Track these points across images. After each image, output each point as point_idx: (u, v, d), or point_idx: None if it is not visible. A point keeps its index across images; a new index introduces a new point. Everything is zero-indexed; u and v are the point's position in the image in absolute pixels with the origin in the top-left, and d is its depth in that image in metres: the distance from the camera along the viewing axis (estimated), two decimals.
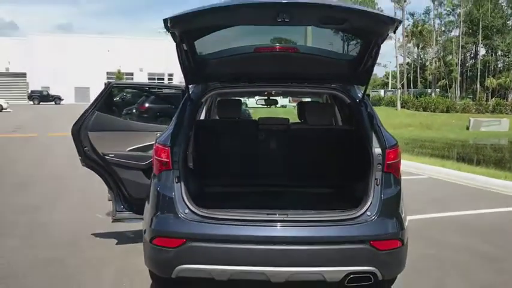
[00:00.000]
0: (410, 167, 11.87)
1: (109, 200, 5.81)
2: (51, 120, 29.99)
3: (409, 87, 65.98)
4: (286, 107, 34.39)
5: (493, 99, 56.07)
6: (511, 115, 41.54)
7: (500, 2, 68.72)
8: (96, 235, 6.03)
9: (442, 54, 71.80)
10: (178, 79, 66.68)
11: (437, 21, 72.43)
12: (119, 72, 66.64)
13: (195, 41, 3.75)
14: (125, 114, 6.52)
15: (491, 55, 70.61)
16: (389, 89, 70.99)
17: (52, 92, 65.31)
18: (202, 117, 6.21)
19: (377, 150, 3.75)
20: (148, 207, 3.82)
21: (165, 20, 3.15)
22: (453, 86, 66.65)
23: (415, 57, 79.18)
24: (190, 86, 4.15)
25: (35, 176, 10.35)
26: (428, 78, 73.94)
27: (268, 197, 4.49)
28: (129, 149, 5.47)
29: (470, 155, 17.02)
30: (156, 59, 66.17)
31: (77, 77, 69.35)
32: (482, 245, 5.97)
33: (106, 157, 5.35)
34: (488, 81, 62.42)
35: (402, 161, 10.78)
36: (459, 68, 66.03)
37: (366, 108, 4.03)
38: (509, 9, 69.47)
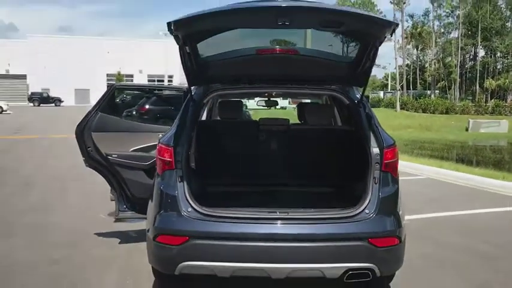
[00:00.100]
0: (409, 167, 11.98)
1: (111, 200, 5.90)
2: (52, 122, 30.14)
3: (408, 88, 66.06)
4: (286, 108, 34.50)
5: (492, 100, 56.14)
6: (510, 116, 41.63)
7: (499, 3, 68.88)
8: (99, 234, 6.11)
9: (441, 55, 71.92)
10: (178, 81, 66.82)
11: (436, 22, 72.65)
12: (119, 74, 66.72)
13: (198, 44, 3.85)
14: (125, 116, 6.60)
15: (491, 56, 70.71)
16: (389, 90, 71.11)
17: (52, 94, 65.39)
18: (204, 118, 6.30)
19: (375, 149, 3.83)
20: (151, 206, 3.90)
21: (168, 24, 3.25)
22: (452, 87, 66.75)
23: (415, 58, 79.36)
24: (192, 88, 4.24)
25: (38, 177, 10.45)
26: (427, 80, 74.09)
27: (269, 196, 4.58)
28: (132, 149, 5.57)
29: (469, 156, 17.09)
30: (156, 61, 66.30)
31: (77, 79, 69.42)
32: (479, 244, 6.05)
33: (109, 157, 5.44)
34: (488, 82, 62.50)
35: (401, 162, 10.93)
36: (458, 69, 66.14)
37: (364, 108, 4.12)
38: (508, 11, 69.61)
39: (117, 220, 5.69)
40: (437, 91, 69.76)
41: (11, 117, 37.53)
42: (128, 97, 13.12)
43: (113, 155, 5.43)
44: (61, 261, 5.19)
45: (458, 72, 66.09)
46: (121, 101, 9.48)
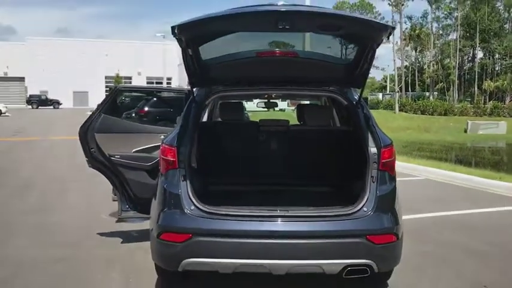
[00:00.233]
0: (408, 168, 12.09)
1: (113, 201, 6.00)
2: (51, 124, 30.19)
3: (407, 90, 66.18)
4: (284, 110, 34.56)
5: (491, 102, 56.21)
6: (509, 118, 41.78)
7: (497, 5, 69.07)
8: (102, 234, 6.19)
9: (439, 57, 72.10)
10: (177, 83, 66.93)
11: (435, 24, 72.82)
12: (117, 76, 66.84)
13: (200, 47, 3.97)
14: (124, 118, 6.70)
15: (489, 58, 70.89)
16: (388, 92, 71.24)
17: (51, 97, 65.44)
18: (205, 119, 6.40)
19: (373, 149, 3.93)
20: (155, 204, 3.99)
21: (172, 27, 3.36)
22: (451, 89, 66.91)
23: (413, 60, 79.48)
24: (194, 89, 4.35)
25: (38, 178, 10.51)
26: (426, 82, 74.22)
27: (270, 195, 4.67)
28: (134, 150, 5.66)
29: (468, 157, 17.19)
30: (155, 63, 66.39)
31: (75, 81, 69.42)
32: (475, 243, 6.14)
33: (112, 158, 5.54)
34: (486, 84, 62.66)
35: (400, 163, 11.01)
36: (457, 71, 66.29)
37: (362, 109, 4.23)
38: (506, 12, 69.83)
39: (119, 220, 5.78)
40: (435, 93, 69.86)
41: (10, 119, 37.59)
42: (127, 99, 13.25)
43: (116, 156, 5.53)
44: (65, 261, 5.26)
45: (457, 73, 66.24)
46: (119, 103, 9.59)
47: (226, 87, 4.44)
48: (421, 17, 74.30)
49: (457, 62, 66.76)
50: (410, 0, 64.03)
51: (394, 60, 58.63)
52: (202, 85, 4.41)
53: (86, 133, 5.51)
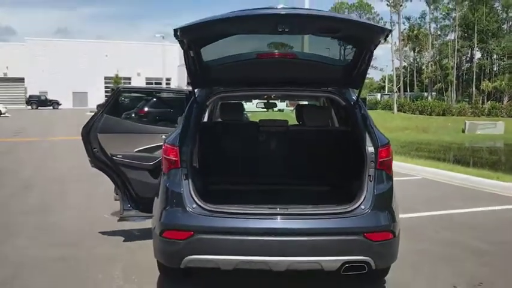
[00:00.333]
0: (405, 168, 12.18)
1: (115, 200, 6.08)
2: (51, 125, 30.24)
3: (405, 90, 66.22)
4: (283, 111, 34.64)
5: (489, 102, 56.34)
6: (507, 118, 41.86)
7: (495, 6, 69.21)
8: (103, 233, 6.26)
9: (438, 57, 72.20)
10: (176, 83, 66.98)
11: (433, 25, 72.86)
12: (117, 76, 66.86)
13: (201, 49, 4.06)
14: (124, 119, 6.79)
15: (487, 59, 70.97)
16: (386, 92, 71.28)
17: (50, 97, 65.51)
18: (205, 119, 6.49)
19: (370, 149, 4.02)
20: (158, 203, 4.07)
21: (175, 30, 3.46)
22: (449, 89, 66.97)
23: (411, 61, 79.56)
24: (195, 90, 4.44)
25: (39, 179, 10.58)
26: (424, 82, 74.27)
27: (270, 193, 4.76)
28: (136, 150, 5.75)
29: (465, 157, 17.27)
30: (154, 64, 66.39)
31: (74, 82, 69.54)
32: (471, 240, 6.24)
33: (114, 158, 5.62)
34: (484, 84, 62.69)
35: (398, 163, 11.10)
36: (455, 71, 66.33)
37: (360, 110, 4.32)
38: (504, 13, 69.96)
39: (121, 219, 5.86)
40: (434, 93, 69.96)
41: (10, 120, 37.62)
42: (126, 100, 13.30)
43: (118, 156, 5.62)
44: (67, 259, 5.33)
45: (455, 74, 66.28)
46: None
47: (227, 88, 4.53)
48: (419, 18, 74.47)
49: (455, 63, 66.82)
50: (408, 1, 63.88)
51: (393, 61, 58.86)
52: (203, 86, 4.50)
53: (89, 133, 5.59)
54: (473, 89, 65.04)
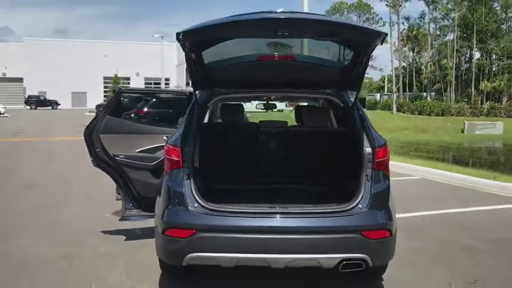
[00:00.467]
0: (404, 168, 12.27)
1: (117, 200, 6.18)
2: (50, 125, 30.31)
3: (404, 90, 66.22)
4: (283, 111, 34.74)
5: (488, 102, 56.39)
6: (506, 118, 41.94)
7: (494, 6, 69.30)
8: (106, 232, 6.35)
9: (437, 58, 72.23)
10: (175, 83, 67.05)
11: (432, 25, 72.88)
12: (116, 77, 66.89)
13: (203, 51, 4.16)
14: (123, 119, 6.89)
15: (486, 59, 71.01)
16: (385, 92, 71.35)
17: (49, 97, 65.56)
18: (206, 120, 6.59)
19: (367, 149, 4.12)
20: (160, 202, 4.16)
21: (177, 33, 3.56)
22: (448, 89, 67.00)
23: (411, 61, 79.60)
24: (197, 92, 4.54)
25: (41, 179, 10.64)
26: (423, 82, 74.33)
27: (269, 193, 4.84)
28: (138, 150, 5.85)
29: (464, 157, 17.34)
30: (153, 64, 66.45)
31: (73, 82, 69.63)
32: (467, 239, 6.33)
33: (116, 158, 5.72)
34: (483, 84, 62.74)
35: (397, 163, 11.19)
36: (454, 71, 66.35)
37: (358, 111, 4.42)
38: (503, 13, 70.05)
39: (122, 218, 5.95)
40: (433, 93, 70.03)
41: (9, 120, 37.67)
42: (126, 100, 13.37)
43: (120, 156, 5.72)
44: (71, 257, 5.42)
45: (454, 74, 66.31)
46: None
47: (228, 90, 4.63)
48: (418, 18, 74.56)
49: (454, 63, 66.85)
50: (407, 1, 63.81)
51: (392, 61, 58.90)
52: (204, 88, 4.59)
53: (91, 134, 5.69)
54: (472, 89, 65.07)
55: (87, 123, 5.81)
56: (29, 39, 71.86)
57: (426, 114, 47.63)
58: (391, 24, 62.22)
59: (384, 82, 75.82)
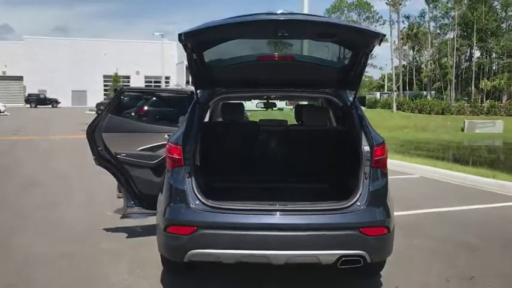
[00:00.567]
0: (403, 166, 12.34)
1: (118, 198, 6.25)
2: (50, 123, 30.37)
3: (404, 89, 66.33)
4: (283, 109, 34.83)
5: (488, 101, 56.52)
6: (506, 117, 42.02)
7: (494, 5, 69.32)
8: (108, 230, 6.41)
9: (437, 56, 72.35)
10: (175, 82, 67.07)
11: (432, 24, 73.05)
12: (116, 75, 66.91)
13: (204, 52, 4.23)
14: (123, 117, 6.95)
15: (486, 57, 71.10)
16: (385, 91, 71.43)
17: (49, 96, 65.60)
18: (207, 119, 6.65)
19: (366, 147, 4.19)
20: (162, 200, 4.23)
21: (179, 34, 3.63)
22: (448, 88, 67.10)
23: (411, 59, 79.76)
24: (198, 91, 4.60)
25: (42, 177, 10.69)
26: (423, 81, 74.42)
27: (269, 191, 4.90)
28: (139, 148, 5.92)
29: (464, 156, 17.40)
30: (153, 62, 66.43)
31: (73, 80, 69.67)
32: (465, 236, 6.41)
33: (118, 156, 5.79)
34: (483, 83, 62.86)
35: (397, 161, 11.26)
36: (454, 70, 66.44)
37: (356, 110, 4.49)
38: (503, 12, 70.09)
39: (123, 216, 6.01)
40: (433, 92, 70.11)
41: (9, 118, 37.74)
42: (126, 98, 13.40)
43: (122, 154, 5.78)
44: (73, 254, 5.49)
45: (454, 73, 66.40)
46: None
47: (228, 89, 4.70)
48: (418, 17, 74.67)
49: (454, 61, 66.91)
50: (407, 0, 63.99)
51: (392, 60, 59.03)
52: (205, 87, 4.66)
53: (94, 132, 5.76)
54: (473, 87, 65.16)
55: (90, 122, 5.88)
56: (29, 38, 71.89)
57: (426, 113, 47.74)
58: (391, 22, 62.37)
59: (384, 81, 75.92)
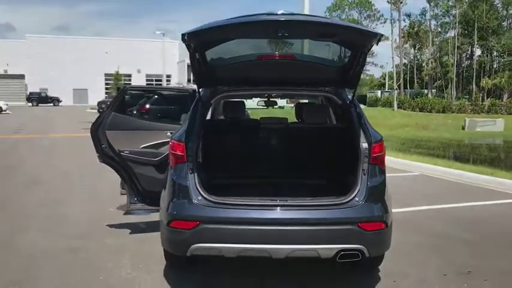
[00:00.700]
0: (404, 164, 12.44)
1: (121, 194, 6.36)
2: (52, 122, 30.47)
3: (405, 87, 66.30)
4: (283, 107, 34.95)
5: (489, 99, 56.47)
6: (506, 115, 42.04)
7: (495, 3, 69.27)
8: (111, 226, 6.51)
9: (438, 55, 72.26)
10: (176, 80, 67.12)
11: (433, 22, 72.98)
12: (117, 73, 67.02)
13: (206, 51, 4.34)
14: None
15: (487, 56, 71.04)
16: (386, 89, 71.38)
17: (50, 94, 65.70)
18: (208, 117, 6.75)
19: (364, 144, 4.29)
20: (165, 195, 4.33)
21: (182, 35, 3.73)
22: (449, 86, 67.02)
23: (412, 58, 79.66)
24: (200, 89, 4.70)
25: (44, 175, 10.77)
26: (424, 79, 74.35)
27: (270, 186, 5.02)
28: (142, 146, 6.02)
29: (464, 154, 17.47)
30: (154, 61, 66.51)
31: (75, 79, 69.77)
32: (463, 233, 6.50)
33: (122, 154, 5.89)
34: (484, 81, 62.74)
35: (397, 159, 11.34)
36: (455, 68, 66.35)
37: (355, 108, 4.59)
38: (504, 10, 70.03)
39: (127, 213, 6.10)
40: (434, 90, 70.03)
41: (11, 117, 37.82)
42: (127, 96, 13.49)
43: (125, 152, 5.88)
44: (78, 250, 5.59)
45: (455, 71, 66.32)
46: None
47: (230, 88, 4.80)
48: (419, 15, 74.64)
49: (455, 60, 66.87)
50: None
51: (393, 58, 58.96)
52: (207, 85, 4.76)
53: (97, 130, 5.86)
54: (473, 86, 65.12)
55: (93, 120, 5.98)
56: (31, 36, 72.00)
57: (427, 111, 47.75)
58: (392, 21, 62.34)
59: (384, 79, 75.76)
